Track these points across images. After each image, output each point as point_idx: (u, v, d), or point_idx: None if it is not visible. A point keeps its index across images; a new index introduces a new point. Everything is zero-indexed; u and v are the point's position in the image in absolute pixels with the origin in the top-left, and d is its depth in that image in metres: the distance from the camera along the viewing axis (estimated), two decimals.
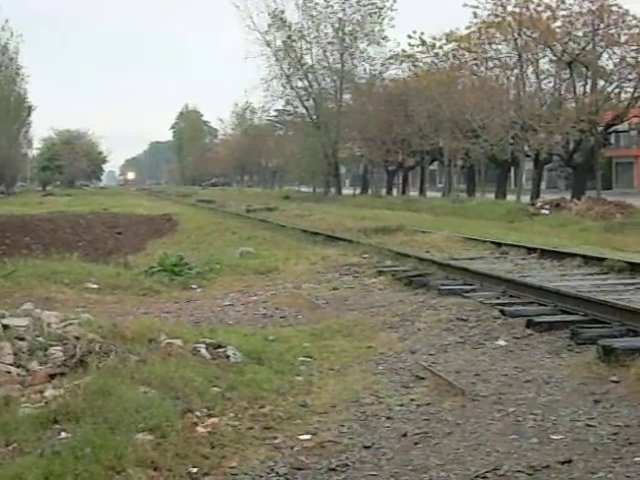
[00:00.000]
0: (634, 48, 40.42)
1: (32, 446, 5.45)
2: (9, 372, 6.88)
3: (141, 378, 6.82)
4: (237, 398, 6.97)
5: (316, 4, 63.95)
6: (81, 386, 6.44)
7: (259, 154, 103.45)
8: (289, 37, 65.38)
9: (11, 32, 77.67)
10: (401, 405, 7.04)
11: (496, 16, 43.13)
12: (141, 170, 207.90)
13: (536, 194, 42.53)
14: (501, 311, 10.51)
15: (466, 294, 12.02)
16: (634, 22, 39.97)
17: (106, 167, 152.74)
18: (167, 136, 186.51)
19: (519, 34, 42.28)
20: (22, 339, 7.45)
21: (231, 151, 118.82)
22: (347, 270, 16.32)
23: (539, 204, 35.27)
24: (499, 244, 19.14)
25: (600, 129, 41.47)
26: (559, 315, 10.09)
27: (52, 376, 6.90)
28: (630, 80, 41.24)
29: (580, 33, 41.10)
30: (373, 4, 62.42)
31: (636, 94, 41.22)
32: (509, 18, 42.51)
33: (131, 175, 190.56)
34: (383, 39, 62.74)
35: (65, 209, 47.82)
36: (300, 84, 67.05)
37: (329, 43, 65.14)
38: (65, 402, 6.14)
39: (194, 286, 15.23)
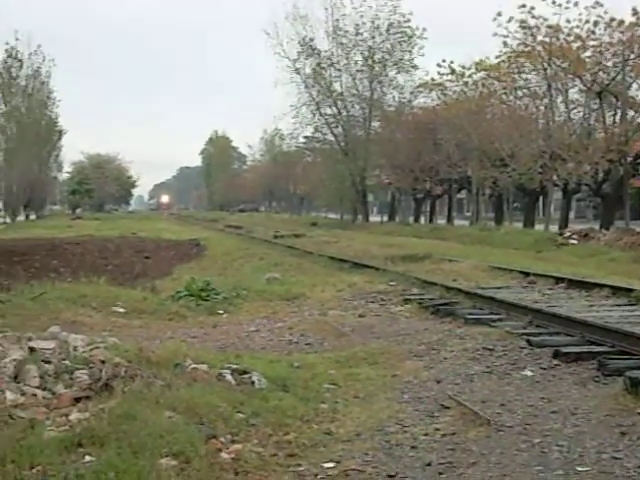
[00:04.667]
0: None
1: (56, 469, 5.45)
2: (35, 395, 6.91)
3: (166, 403, 6.82)
4: (261, 424, 6.95)
5: (346, 32, 64.32)
6: (106, 410, 6.45)
7: (287, 180, 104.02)
8: (319, 64, 65.68)
9: (43, 57, 78.91)
10: (426, 434, 7.00)
11: (526, 45, 43.19)
12: (170, 195, 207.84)
13: (564, 224, 42.41)
14: (528, 341, 10.45)
15: (493, 323, 11.95)
16: None
17: (135, 191, 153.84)
18: (196, 161, 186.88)
19: (549, 64, 42.27)
20: (48, 362, 7.48)
21: (259, 177, 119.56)
22: (373, 298, 16.29)
23: (567, 234, 35.16)
24: (527, 273, 19.02)
25: (629, 159, 41.29)
26: (586, 346, 10.00)
27: (77, 399, 6.92)
28: None
29: (610, 63, 41.08)
30: (403, 32, 62.63)
31: None
32: (539, 48, 42.53)
33: (165, 198, 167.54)
34: (412, 67, 62.94)
35: (94, 233, 48.13)
36: (329, 111, 67.30)
37: (358, 71, 65.39)
38: (90, 426, 6.15)
39: (220, 311, 15.25)
